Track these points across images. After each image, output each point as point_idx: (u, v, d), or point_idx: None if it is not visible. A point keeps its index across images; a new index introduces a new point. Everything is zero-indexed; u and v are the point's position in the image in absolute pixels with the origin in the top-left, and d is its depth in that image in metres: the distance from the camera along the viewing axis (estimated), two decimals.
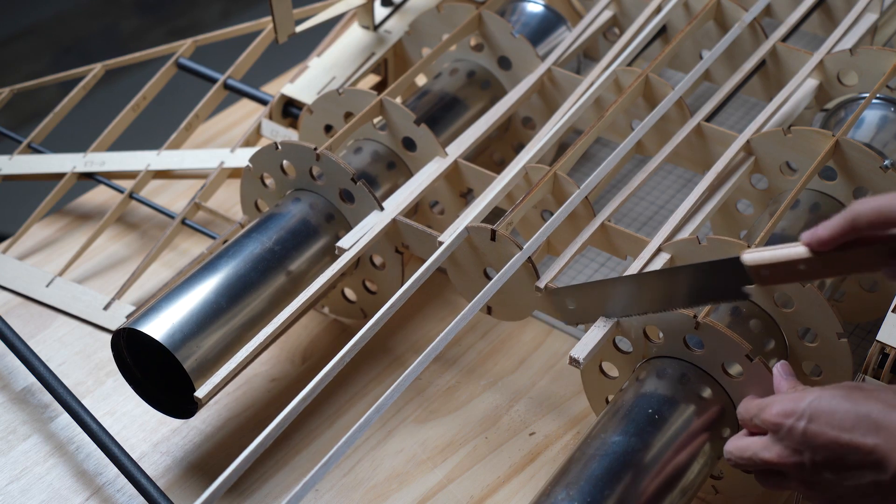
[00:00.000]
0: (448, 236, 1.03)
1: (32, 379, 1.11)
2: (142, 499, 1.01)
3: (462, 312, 0.93)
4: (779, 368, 0.86)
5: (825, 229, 0.78)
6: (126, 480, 1.02)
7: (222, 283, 1.01)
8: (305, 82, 1.31)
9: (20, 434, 1.07)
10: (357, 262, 1.10)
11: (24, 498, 1.01)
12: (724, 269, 0.85)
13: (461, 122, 1.23)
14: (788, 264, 0.81)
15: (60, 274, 1.21)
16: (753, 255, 0.82)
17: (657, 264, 0.98)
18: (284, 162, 1.09)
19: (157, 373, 1.00)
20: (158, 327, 0.97)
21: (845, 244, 0.78)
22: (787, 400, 0.80)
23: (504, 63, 1.25)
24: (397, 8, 1.36)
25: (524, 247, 0.99)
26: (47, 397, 1.10)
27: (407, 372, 0.90)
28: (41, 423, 1.08)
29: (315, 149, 1.07)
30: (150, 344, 0.97)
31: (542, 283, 0.99)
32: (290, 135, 1.28)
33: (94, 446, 1.05)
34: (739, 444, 0.83)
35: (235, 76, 1.34)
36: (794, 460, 0.79)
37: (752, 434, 0.83)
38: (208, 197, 1.25)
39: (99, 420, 1.03)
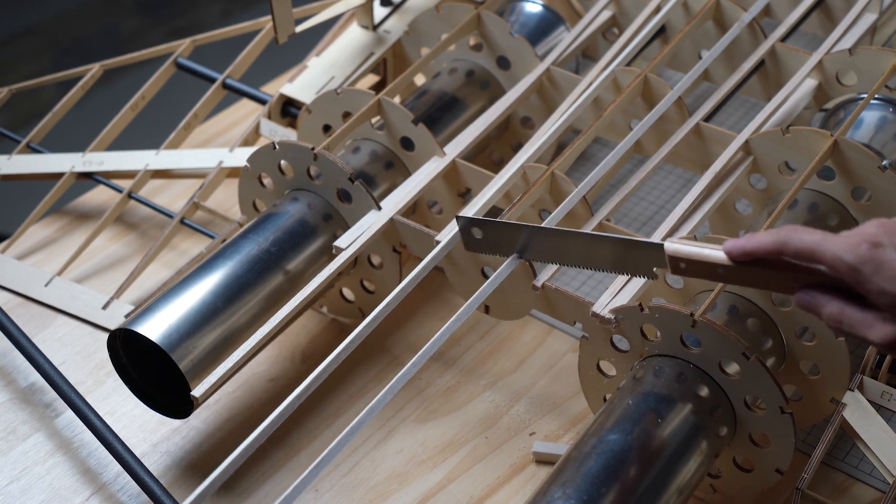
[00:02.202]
0: (445, 235, 1.03)
1: (33, 379, 1.12)
2: (142, 498, 1.01)
3: (458, 311, 0.93)
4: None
5: (751, 243, 0.79)
6: (127, 480, 1.02)
7: (218, 283, 1.01)
8: (304, 82, 1.31)
9: (20, 434, 1.07)
10: (355, 262, 1.10)
11: (24, 498, 1.02)
12: (645, 249, 0.88)
13: (460, 122, 1.23)
14: (707, 264, 0.83)
15: (59, 273, 1.21)
16: (676, 247, 0.84)
17: None
18: (282, 162, 1.09)
19: (153, 373, 1.00)
20: (154, 328, 0.97)
21: (764, 261, 0.79)
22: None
23: (503, 63, 1.25)
24: (396, 8, 1.36)
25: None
26: (47, 397, 1.10)
27: (402, 372, 0.90)
28: (41, 423, 1.08)
29: (313, 148, 1.07)
30: (146, 344, 0.97)
31: (539, 282, 0.99)
32: (289, 134, 1.28)
33: (95, 446, 1.05)
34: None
35: (234, 76, 1.34)
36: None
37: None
38: (207, 196, 1.25)
39: (79, 435, 1.03)
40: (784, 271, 0.79)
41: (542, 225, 0.98)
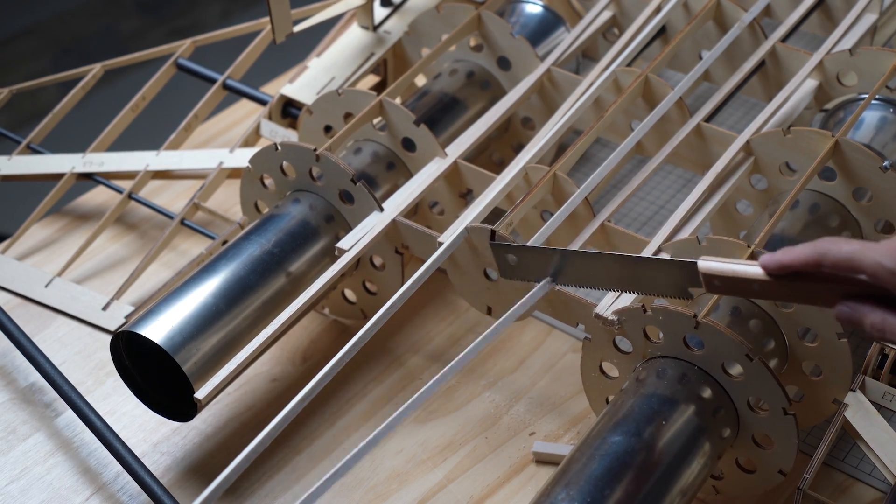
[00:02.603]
0: (448, 237, 1.03)
1: (33, 379, 1.11)
2: (142, 498, 1.01)
3: (487, 331, 0.93)
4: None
5: (788, 256, 0.78)
6: (127, 480, 1.02)
7: (221, 285, 1.01)
8: (305, 82, 1.31)
9: (20, 434, 1.07)
10: (357, 263, 1.10)
11: (24, 498, 1.01)
12: (679, 268, 0.87)
13: (461, 123, 1.23)
14: (742, 280, 0.81)
15: (59, 274, 1.21)
16: (709, 265, 0.83)
17: None
18: (284, 163, 1.09)
19: (156, 376, 1.00)
20: (158, 330, 0.97)
21: (802, 275, 0.79)
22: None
23: (503, 63, 1.25)
24: (397, 8, 1.36)
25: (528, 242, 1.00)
26: (47, 397, 1.10)
27: (426, 387, 0.90)
28: (41, 423, 1.08)
29: (315, 149, 1.07)
30: (149, 347, 0.97)
31: None
32: (290, 135, 1.28)
33: (95, 446, 1.05)
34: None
35: (235, 76, 1.34)
36: None
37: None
38: (207, 197, 1.25)
39: (79, 434, 1.03)
40: (822, 283, 0.78)
41: (575, 249, 0.97)
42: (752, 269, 0.81)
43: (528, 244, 0.97)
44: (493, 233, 1.00)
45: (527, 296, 0.96)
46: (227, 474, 0.85)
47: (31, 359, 1.07)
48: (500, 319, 0.94)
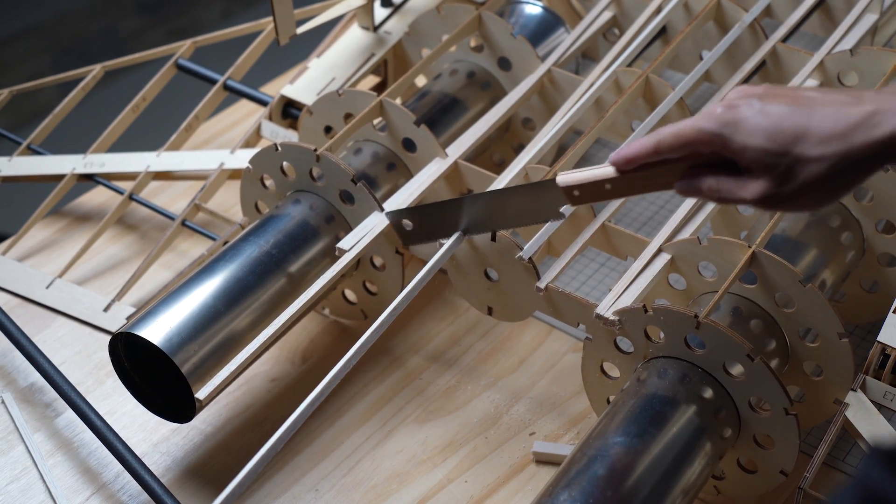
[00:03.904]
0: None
1: (33, 379, 1.11)
2: (142, 498, 1.01)
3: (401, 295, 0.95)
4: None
5: (631, 148, 0.82)
6: (127, 480, 1.02)
7: (220, 287, 1.01)
8: (305, 83, 1.31)
9: (20, 434, 1.07)
10: (357, 264, 1.10)
11: (24, 498, 1.01)
12: (543, 190, 0.92)
13: (461, 123, 1.22)
14: (595, 184, 0.86)
15: (60, 275, 1.21)
16: (565, 177, 0.87)
17: (658, 265, 0.99)
18: (284, 163, 1.09)
19: (155, 377, 1.00)
20: (156, 331, 0.96)
21: (647, 165, 0.82)
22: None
23: (504, 64, 1.25)
24: (397, 9, 1.35)
25: (524, 247, 1.00)
26: (47, 397, 1.10)
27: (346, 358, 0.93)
28: (41, 423, 1.08)
29: (315, 150, 1.07)
30: (147, 348, 0.97)
31: (542, 284, 0.99)
32: (290, 136, 1.28)
33: (94, 446, 1.05)
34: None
35: (235, 77, 1.34)
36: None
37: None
38: (208, 198, 1.25)
39: (79, 434, 1.03)
40: (665, 167, 0.82)
41: (449, 199, 1.03)
42: (604, 171, 0.85)
43: (427, 204, 1.02)
44: (493, 233, 1.00)
45: (438, 253, 0.99)
46: (238, 482, 0.85)
47: (31, 359, 1.07)
48: (418, 276, 0.97)
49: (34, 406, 1.09)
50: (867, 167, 0.76)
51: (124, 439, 1.01)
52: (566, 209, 0.92)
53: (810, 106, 0.76)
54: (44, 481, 1.02)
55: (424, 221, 1.02)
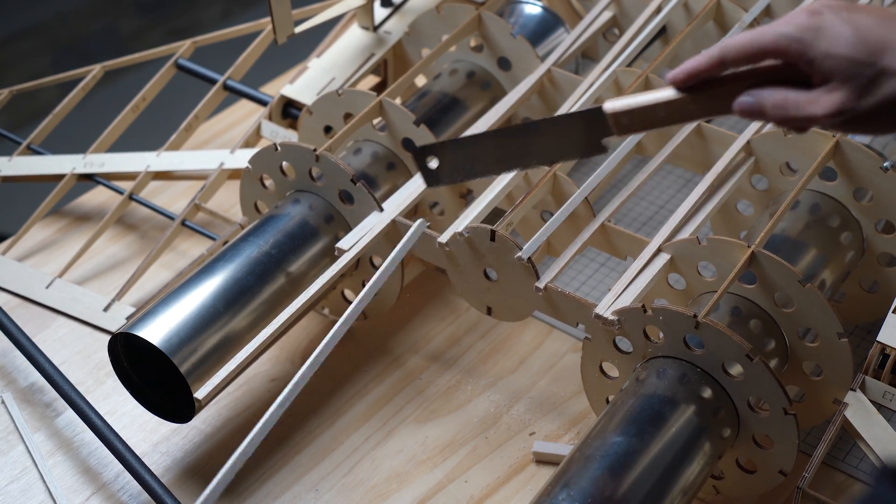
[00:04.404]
0: (447, 236, 1.03)
1: (33, 379, 1.11)
2: (143, 497, 1.01)
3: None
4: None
5: (693, 61, 0.77)
6: (127, 479, 1.02)
7: (219, 287, 1.01)
8: (305, 83, 1.31)
9: (20, 434, 1.07)
10: (357, 263, 1.10)
11: (24, 498, 1.01)
12: (585, 119, 0.83)
13: (461, 123, 1.23)
14: (648, 109, 0.80)
15: (60, 275, 1.21)
16: (615, 104, 0.81)
17: (657, 265, 0.99)
18: (284, 163, 1.09)
19: (154, 378, 1.00)
20: (155, 331, 0.97)
21: (708, 83, 0.78)
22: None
23: (504, 64, 1.25)
24: (397, 9, 1.36)
25: (524, 247, 1.00)
26: (47, 397, 1.10)
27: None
28: (41, 423, 1.08)
29: (314, 150, 1.07)
30: (146, 348, 0.97)
31: (541, 284, 0.99)
32: (290, 136, 1.28)
33: (94, 446, 1.05)
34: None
35: (235, 77, 1.34)
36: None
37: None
38: (208, 198, 1.25)
39: (79, 434, 1.03)
40: (727, 86, 0.77)
41: (476, 133, 0.93)
42: (658, 94, 0.80)
43: (456, 139, 0.90)
44: (492, 233, 1.00)
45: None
46: (222, 475, 0.85)
47: (32, 359, 1.07)
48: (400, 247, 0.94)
49: (34, 406, 1.09)
50: None
51: (124, 439, 1.01)
52: (609, 141, 0.85)
53: None
54: (44, 481, 1.02)
55: (453, 158, 0.90)
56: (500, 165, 0.89)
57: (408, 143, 1.14)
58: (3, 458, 1.05)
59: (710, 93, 0.78)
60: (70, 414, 1.08)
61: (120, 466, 1.02)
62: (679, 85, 0.78)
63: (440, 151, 0.89)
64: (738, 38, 0.76)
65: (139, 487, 1.01)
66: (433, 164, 0.88)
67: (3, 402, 1.10)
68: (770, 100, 0.75)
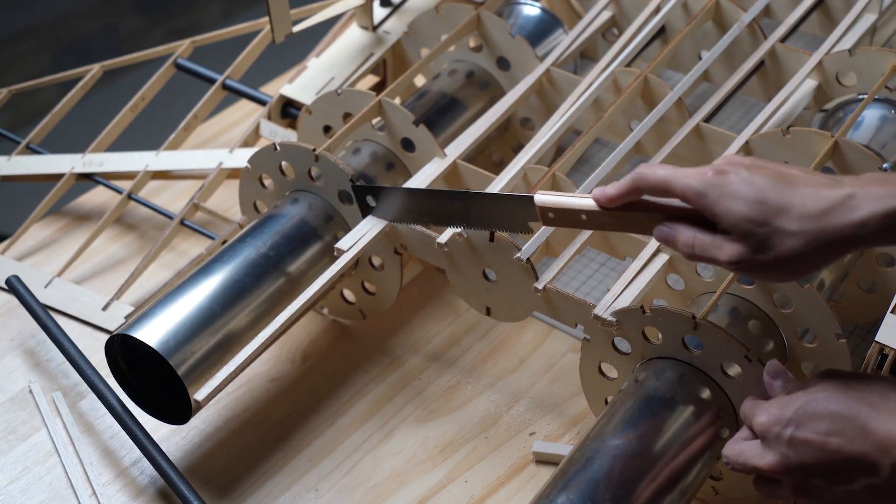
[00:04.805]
0: (446, 237, 1.03)
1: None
2: (143, 497, 1.01)
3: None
4: (768, 369, 0.86)
5: (613, 188, 0.85)
6: (126, 479, 1.02)
7: (216, 288, 1.01)
8: (304, 83, 1.31)
9: (20, 434, 1.07)
10: (356, 264, 1.10)
11: (24, 498, 1.02)
12: (517, 202, 0.92)
13: (460, 123, 1.23)
14: (573, 212, 0.87)
15: (59, 275, 1.21)
16: (544, 198, 0.88)
17: (656, 266, 0.99)
18: (283, 163, 1.09)
19: (151, 379, 1.00)
20: (152, 333, 0.96)
21: (628, 204, 0.85)
22: (775, 406, 0.82)
23: (503, 64, 1.25)
24: (396, 8, 1.36)
25: (523, 248, 1.00)
26: (47, 397, 1.10)
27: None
28: (41, 423, 1.08)
29: (314, 150, 1.07)
30: (143, 350, 0.97)
31: (540, 284, 0.99)
32: (289, 135, 1.28)
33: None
34: (735, 449, 0.84)
35: (234, 76, 1.34)
36: (784, 467, 0.81)
37: (753, 434, 0.84)
38: (207, 197, 1.25)
39: (101, 418, 1.03)
40: (645, 212, 0.84)
41: (425, 188, 1.04)
42: (583, 201, 0.86)
43: (395, 187, 1.03)
44: (491, 234, 1.00)
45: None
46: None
47: (59, 345, 1.08)
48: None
49: (31, 408, 1.09)
50: (841, 247, 0.79)
51: (125, 439, 1.01)
52: (536, 225, 0.94)
53: (793, 184, 0.79)
54: (64, 467, 1.03)
55: (390, 203, 1.03)
56: (435, 220, 1.00)
57: (407, 144, 1.14)
58: (3, 458, 1.05)
59: (629, 214, 0.85)
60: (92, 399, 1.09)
61: (137, 453, 1.04)
62: (600, 205, 0.86)
63: (378, 195, 1.02)
64: (653, 174, 0.82)
65: (139, 487, 1.01)
66: (372, 202, 1.02)
67: (30, 390, 1.10)
68: (682, 237, 0.83)
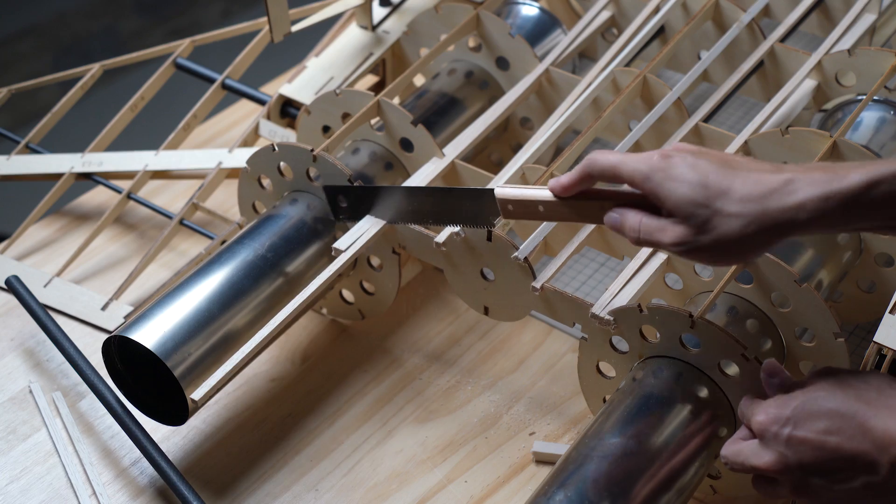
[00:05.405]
0: (444, 237, 1.03)
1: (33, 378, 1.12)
2: (143, 497, 1.01)
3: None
4: (765, 368, 0.86)
5: (566, 176, 0.87)
6: (126, 479, 1.02)
7: (214, 290, 1.01)
8: (303, 82, 1.31)
9: (20, 434, 1.07)
10: (354, 264, 1.10)
11: (24, 498, 1.02)
12: (479, 197, 0.94)
13: (459, 123, 1.23)
14: (529, 203, 0.90)
15: (58, 274, 1.21)
16: (504, 191, 0.91)
17: (654, 265, 0.99)
18: (281, 163, 1.09)
19: (149, 380, 1.00)
20: (149, 335, 0.96)
21: (582, 193, 0.87)
22: (773, 405, 0.83)
23: (502, 63, 1.25)
24: (395, 8, 1.36)
25: (520, 247, 1.00)
26: (47, 397, 1.10)
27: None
28: (41, 423, 1.08)
29: (312, 150, 1.07)
30: (140, 351, 0.97)
31: (538, 284, 0.99)
32: (288, 135, 1.28)
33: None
34: (733, 449, 0.84)
35: (233, 76, 1.34)
36: (783, 466, 0.81)
37: (752, 433, 0.84)
38: (206, 197, 1.25)
39: (101, 418, 1.03)
40: (599, 200, 0.86)
41: (389, 185, 1.08)
42: (540, 192, 0.89)
43: (365, 186, 1.06)
44: (489, 233, 1.00)
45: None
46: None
47: (59, 344, 1.08)
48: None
49: (31, 408, 1.09)
50: (780, 230, 0.80)
51: (124, 439, 1.01)
52: (499, 220, 0.95)
53: (736, 168, 0.81)
54: (64, 468, 1.03)
55: (358, 202, 1.05)
56: (408, 218, 1.02)
57: (406, 144, 1.14)
58: (3, 458, 1.05)
59: (583, 203, 0.87)
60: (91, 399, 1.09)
61: (137, 453, 1.04)
62: (556, 195, 0.88)
63: (348, 193, 1.04)
64: (603, 159, 0.85)
65: (140, 486, 1.01)
66: (343, 203, 1.04)
67: (30, 390, 1.10)
68: (629, 222, 0.85)
